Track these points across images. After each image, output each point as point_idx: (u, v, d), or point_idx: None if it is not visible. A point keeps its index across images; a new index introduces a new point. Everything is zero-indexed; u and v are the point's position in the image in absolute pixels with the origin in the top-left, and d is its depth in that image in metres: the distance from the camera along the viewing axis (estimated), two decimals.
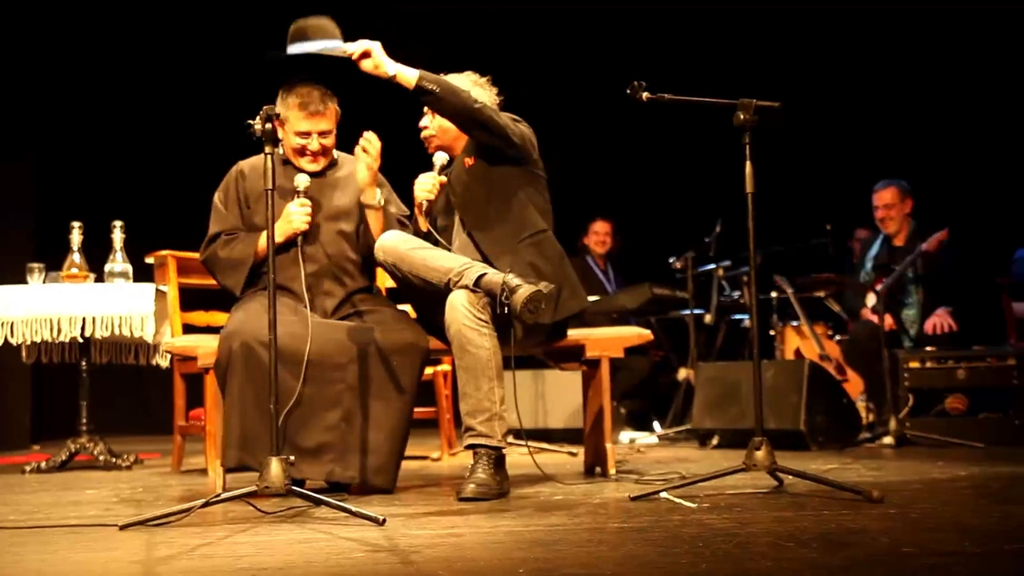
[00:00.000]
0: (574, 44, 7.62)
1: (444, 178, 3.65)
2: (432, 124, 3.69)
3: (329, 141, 3.68)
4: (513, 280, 3.29)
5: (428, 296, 3.48)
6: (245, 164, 3.75)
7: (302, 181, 3.56)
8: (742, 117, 3.19)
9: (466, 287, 3.35)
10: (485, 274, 3.35)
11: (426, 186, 3.61)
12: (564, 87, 7.37)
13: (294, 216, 3.54)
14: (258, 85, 3.68)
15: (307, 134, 3.63)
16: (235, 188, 3.70)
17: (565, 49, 7.60)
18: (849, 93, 7.48)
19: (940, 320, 5.51)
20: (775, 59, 7.31)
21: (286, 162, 3.70)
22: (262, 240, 3.57)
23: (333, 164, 3.77)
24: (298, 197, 3.55)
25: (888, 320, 5.47)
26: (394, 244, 3.46)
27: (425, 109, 3.66)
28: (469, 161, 3.65)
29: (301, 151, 3.66)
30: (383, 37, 3.36)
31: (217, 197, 3.73)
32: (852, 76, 7.46)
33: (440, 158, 3.68)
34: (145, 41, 7.30)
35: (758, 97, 3.21)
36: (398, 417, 3.46)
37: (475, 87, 3.67)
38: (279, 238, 3.49)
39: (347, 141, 3.72)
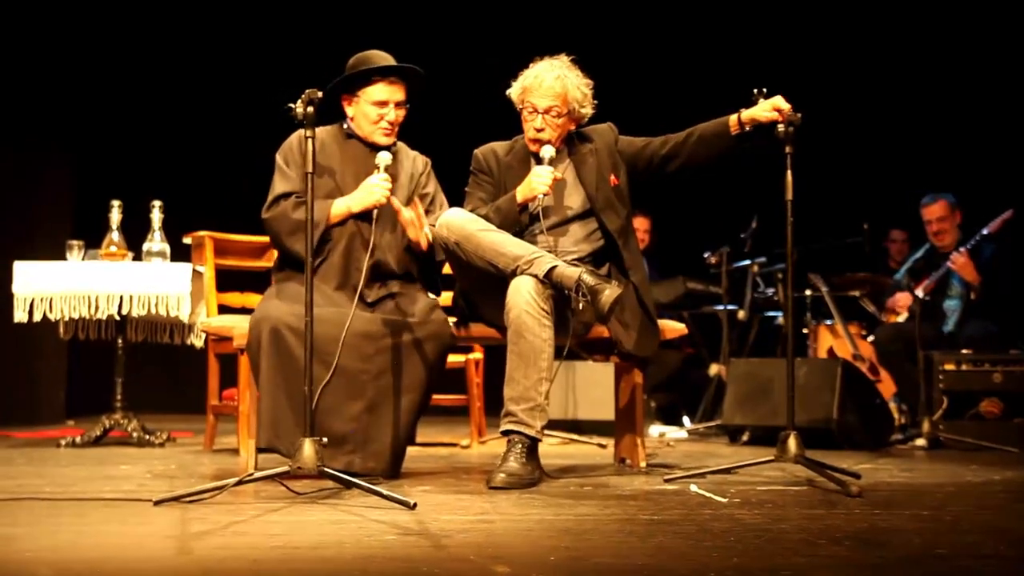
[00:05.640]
0: (610, 36, 7.58)
1: (559, 174, 3.60)
2: (554, 124, 3.61)
3: (401, 115, 3.59)
4: (589, 278, 3.28)
5: (483, 280, 3.45)
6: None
7: (384, 158, 3.47)
8: (780, 129, 3.33)
9: (535, 276, 3.33)
10: (556, 266, 3.33)
11: (546, 181, 3.51)
12: (603, 81, 7.34)
13: (376, 188, 3.45)
14: (297, 67, 3.68)
15: (385, 103, 3.55)
16: (299, 152, 3.53)
17: (602, 40, 7.56)
18: (887, 93, 7.39)
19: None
20: (813, 58, 7.25)
21: (350, 135, 3.63)
22: (334, 208, 3.50)
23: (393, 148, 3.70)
24: (378, 173, 3.47)
25: (920, 290, 5.46)
26: (462, 223, 3.42)
27: (535, 108, 3.59)
28: (615, 180, 3.70)
29: (378, 122, 3.56)
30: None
31: (279, 158, 3.59)
32: (891, 76, 7.37)
33: (549, 152, 3.59)
34: (187, 21, 7.35)
35: (799, 94, 3.26)
36: (410, 409, 3.43)
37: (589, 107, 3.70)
38: (357, 208, 3.49)
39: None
